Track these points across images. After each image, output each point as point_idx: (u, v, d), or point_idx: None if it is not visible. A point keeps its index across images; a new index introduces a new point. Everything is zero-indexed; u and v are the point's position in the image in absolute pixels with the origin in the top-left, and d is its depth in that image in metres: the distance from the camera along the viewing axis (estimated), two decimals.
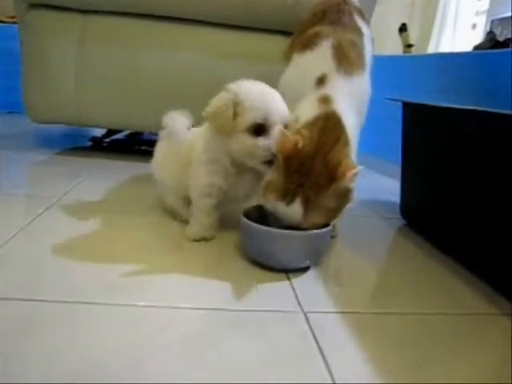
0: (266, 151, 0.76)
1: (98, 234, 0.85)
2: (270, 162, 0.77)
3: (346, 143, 0.79)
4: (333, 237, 0.92)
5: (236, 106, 0.76)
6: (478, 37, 4.11)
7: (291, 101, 0.85)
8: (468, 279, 0.81)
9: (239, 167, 0.82)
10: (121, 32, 1.46)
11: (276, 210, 0.75)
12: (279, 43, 1.48)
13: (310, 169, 0.73)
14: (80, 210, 0.97)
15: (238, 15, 1.46)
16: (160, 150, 1.01)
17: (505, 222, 0.75)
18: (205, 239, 0.86)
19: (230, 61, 1.49)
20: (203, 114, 0.80)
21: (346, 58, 0.87)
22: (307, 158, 0.73)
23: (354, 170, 0.71)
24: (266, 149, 0.76)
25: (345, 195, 0.75)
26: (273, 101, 0.79)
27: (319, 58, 0.88)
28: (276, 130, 0.74)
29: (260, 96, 0.78)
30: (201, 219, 0.86)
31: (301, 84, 0.88)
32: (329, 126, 0.78)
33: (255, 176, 0.84)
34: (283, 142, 0.73)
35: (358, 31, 0.95)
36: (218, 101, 0.78)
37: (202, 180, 0.84)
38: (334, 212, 0.77)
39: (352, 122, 0.83)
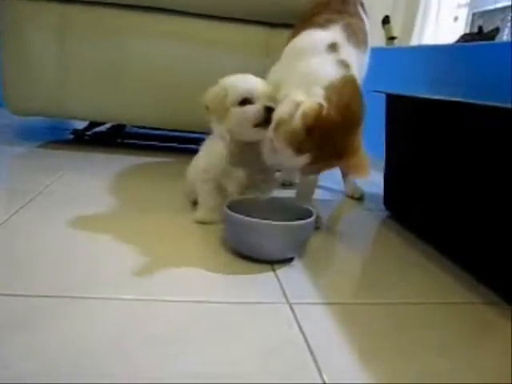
0: (253, 114, 0.87)
1: (80, 228, 0.84)
2: (261, 125, 0.86)
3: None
4: (317, 228, 0.92)
5: (225, 92, 0.90)
6: (459, 29, 4.14)
7: (292, 62, 0.87)
8: (451, 269, 0.82)
9: (240, 147, 0.91)
10: (102, 22, 1.44)
11: (281, 150, 0.78)
12: (263, 33, 1.49)
13: (329, 140, 0.75)
14: (61, 204, 0.95)
15: (222, 6, 1.45)
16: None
17: (487, 212, 0.76)
18: (209, 222, 0.92)
19: (215, 51, 1.48)
20: (203, 102, 0.93)
21: (355, 35, 0.89)
22: (332, 130, 0.75)
23: (362, 173, 0.78)
24: (253, 112, 0.87)
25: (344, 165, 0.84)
26: (254, 81, 0.91)
27: (331, 32, 0.88)
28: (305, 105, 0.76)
29: (242, 79, 0.92)
30: (203, 204, 0.94)
31: (311, 46, 0.87)
32: (355, 96, 0.80)
33: (249, 172, 0.92)
34: (308, 112, 0.73)
35: (362, 20, 0.99)
36: (211, 90, 0.93)
37: (200, 164, 0.94)
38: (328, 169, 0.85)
39: None
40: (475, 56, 1.34)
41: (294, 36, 0.99)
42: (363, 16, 1.01)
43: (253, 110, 0.88)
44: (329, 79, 0.79)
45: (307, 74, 0.81)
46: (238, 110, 0.89)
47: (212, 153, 0.93)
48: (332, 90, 0.77)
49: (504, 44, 1.26)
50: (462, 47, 1.48)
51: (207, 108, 0.93)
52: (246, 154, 0.91)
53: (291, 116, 0.75)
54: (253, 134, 0.89)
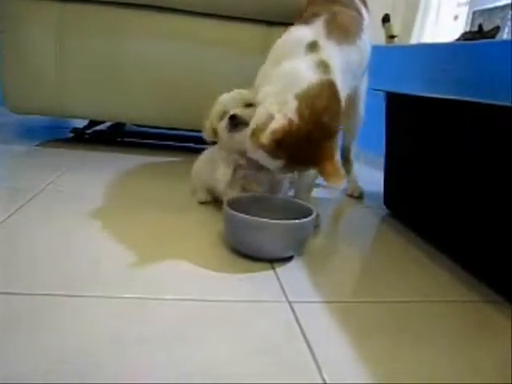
0: (238, 143, 0.87)
1: (79, 226, 0.84)
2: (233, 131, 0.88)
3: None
4: (316, 227, 0.92)
5: (219, 113, 0.92)
6: (459, 28, 4.14)
7: (276, 62, 0.85)
8: (450, 267, 0.82)
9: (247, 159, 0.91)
10: (102, 21, 1.43)
11: (258, 156, 0.80)
12: (261, 32, 1.48)
13: (300, 151, 0.76)
14: (60, 203, 0.95)
15: (220, 4, 1.45)
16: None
17: (487, 210, 0.76)
18: None
19: (213, 50, 1.48)
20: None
21: (341, 28, 0.87)
22: (301, 141, 0.75)
23: (336, 181, 0.77)
24: (238, 141, 0.87)
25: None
26: (226, 95, 0.92)
27: (313, 29, 0.87)
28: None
29: (229, 99, 0.92)
30: None
31: (290, 47, 0.87)
32: (331, 103, 0.79)
33: (270, 177, 0.93)
34: (277, 125, 0.74)
35: (357, 11, 0.97)
36: (211, 113, 0.95)
37: (222, 174, 0.94)
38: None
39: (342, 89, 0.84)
40: (475, 54, 1.34)
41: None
42: (360, 7, 0.99)
43: (238, 137, 0.87)
44: (303, 86, 0.78)
45: (283, 79, 0.81)
46: (225, 135, 0.90)
47: (227, 165, 0.94)
48: (305, 99, 0.77)
49: (504, 42, 1.26)
50: (463, 45, 1.48)
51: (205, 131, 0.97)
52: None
53: (264, 125, 0.75)
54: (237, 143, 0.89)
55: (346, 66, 0.86)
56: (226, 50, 1.48)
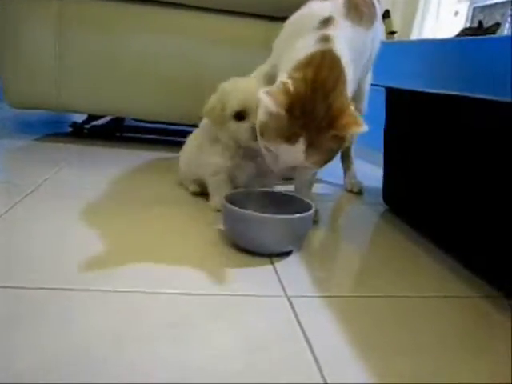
0: (245, 132, 0.88)
1: (78, 221, 0.83)
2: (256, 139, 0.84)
3: (345, 87, 0.77)
4: (315, 222, 0.92)
5: (223, 102, 0.91)
6: (460, 24, 4.14)
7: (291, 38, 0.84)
8: (449, 263, 0.82)
9: (245, 150, 0.93)
10: (100, 16, 1.43)
11: (277, 150, 0.76)
12: (263, 27, 1.48)
13: (312, 110, 0.73)
14: (60, 198, 0.95)
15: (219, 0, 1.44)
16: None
17: (486, 206, 0.76)
18: None
19: (213, 44, 1.47)
20: (203, 112, 0.95)
21: (356, 9, 0.86)
22: (306, 100, 0.73)
23: (357, 129, 0.72)
24: (245, 130, 0.88)
25: (343, 138, 0.76)
26: (249, 92, 0.88)
27: (330, 4, 0.86)
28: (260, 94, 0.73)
29: (239, 89, 0.91)
30: (217, 192, 0.95)
31: (306, 22, 0.85)
32: (326, 63, 0.76)
33: (257, 165, 0.94)
34: (276, 96, 0.71)
35: (371, 2, 0.95)
36: (211, 100, 0.94)
37: (209, 159, 0.96)
38: (333, 153, 0.78)
39: (351, 68, 0.81)
40: (475, 50, 1.33)
41: None
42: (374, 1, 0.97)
43: (245, 128, 0.88)
44: (298, 58, 0.77)
45: (289, 61, 0.79)
46: (232, 126, 0.90)
47: (219, 151, 0.95)
48: (296, 67, 0.76)
49: (506, 38, 1.25)
50: (462, 41, 1.48)
51: (205, 116, 0.96)
52: (248, 161, 0.95)
53: (267, 114, 0.74)
54: (252, 145, 0.89)
55: (355, 45, 0.84)
56: (226, 45, 1.47)
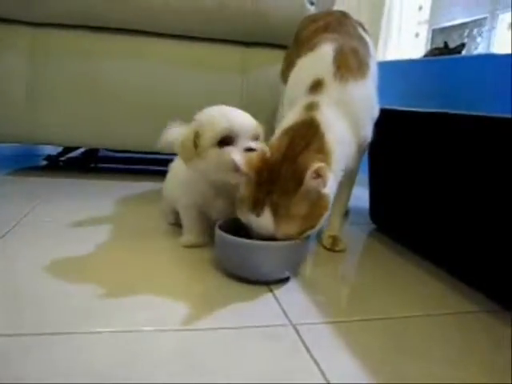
0: (231, 156, 0.77)
1: (63, 257, 0.80)
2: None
3: (323, 150, 0.75)
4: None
5: (197, 134, 0.81)
6: (421, 44, 4.32)
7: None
8: (444, 278, 0.82)
9: (216, 189, 0.86)
10: (74, 45, 1.41)
11: (249, 222, 0.74)
12: (239, 53, 1.49)
13: (277, 176, 0.71)
14: (40, 234, 0.91)
15: (197, 26, 1.44)
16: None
17: (474, 220, 0.77)
18: (197, 246, 0.90)
19: (190, 71, 1.47)
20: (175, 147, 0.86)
21: (346, 65, 0.83)
22: (275, 166, 0.72)
23: (320, 168, 0.68)
24: (231, 154, 0.76)
25: (318, 201, 0.72)
26: (234, 116, 0.82)
27: (319, 60, 0.85)
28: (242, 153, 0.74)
29: (220, 114, 0.82)
30: (188, 228, 0.91)
31: (299, 85, 0.85)
32: (302, 132, 0.76)
33: (230, 200, 0.84)
34: (250, 158, 0.72)
35: (363, 40, 0.94)
36: (184, 134, 0.84)
37: (183, 198, 0.91)
38: (308, 220, 0.72)
39: (340, 131, 0.80)
40: (453, 68, 1.38)
41: (286, 65, 1.00)
42: (364, 35, 0.97)
43: (231, 152, 0.77)
44: (284, 127, 0.79)
45: (279, 128, 0.81)
46: (214, 154, 0.79)
47: (190, 186, 0.88)
48: (280, 134, 0.78)
49: (482, 56, 1.31)
50: (440, 61, 1.53)
51: (178, 152, 0.87)
52: (219, 198, 0.87)
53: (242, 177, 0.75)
54: (228, 178, 0.80)
55: (350, 102, 0.83)
56: (203, 72, 1.47)
